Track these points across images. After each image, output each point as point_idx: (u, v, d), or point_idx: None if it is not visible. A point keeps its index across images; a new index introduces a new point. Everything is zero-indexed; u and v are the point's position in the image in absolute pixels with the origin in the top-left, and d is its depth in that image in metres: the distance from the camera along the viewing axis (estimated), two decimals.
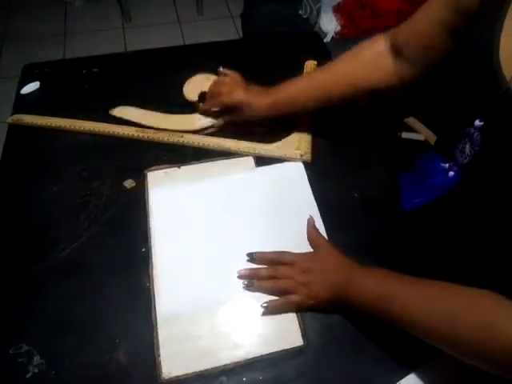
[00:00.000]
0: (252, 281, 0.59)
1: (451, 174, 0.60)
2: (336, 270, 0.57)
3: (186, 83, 0.82)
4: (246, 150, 0.76)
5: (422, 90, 0.76)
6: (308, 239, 0.64)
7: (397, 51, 0.65)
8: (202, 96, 0.80)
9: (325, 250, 0.60)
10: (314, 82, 0.71)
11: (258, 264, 0.61)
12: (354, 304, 0.54)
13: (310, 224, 0.65)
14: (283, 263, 0.59)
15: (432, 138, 1.17)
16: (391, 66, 0.65)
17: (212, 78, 0.82)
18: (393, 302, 0.50)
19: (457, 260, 0.59)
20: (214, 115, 0.78)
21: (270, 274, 0.59)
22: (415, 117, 1.23)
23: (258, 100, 0.71)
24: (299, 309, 0.57)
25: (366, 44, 0.68)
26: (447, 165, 0.61)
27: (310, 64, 0.92)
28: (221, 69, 0.79)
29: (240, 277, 0.60)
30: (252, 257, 0.61)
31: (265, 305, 0.57)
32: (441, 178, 0.61)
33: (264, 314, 0.57)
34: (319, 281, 0.56)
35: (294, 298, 0.56)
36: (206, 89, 0.80)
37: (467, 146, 0.55)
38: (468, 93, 0.59)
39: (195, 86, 0.82)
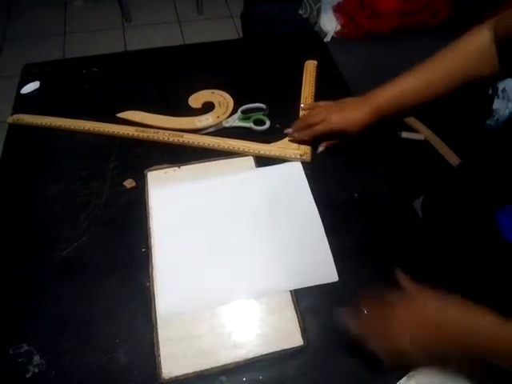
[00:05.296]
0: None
1: None
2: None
3: (191, 96, 0.85)
4: (246, 150, 0.76)
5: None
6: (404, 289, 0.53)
7: (501, 38, 0.60)
8: (205, 105, 0.83)
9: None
10: (420, 80, 0.66)
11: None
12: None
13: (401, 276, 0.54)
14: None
15: (432, 137, 1.17)
16: (496, 57, 0.61)
17: (216, 92, 0.86)
18: None
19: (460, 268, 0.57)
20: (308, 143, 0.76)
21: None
22: (415, 117, 1.23)
23: (356, 114, 0.67)
24: None
25: (470, 36, 0.64)
26: None
27: (310, 64, 0.92)
28: (302, 106, 0.82)
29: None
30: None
31: None
32: None
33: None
34: None
35: None
36: (209, 100, 0.84)
37: None
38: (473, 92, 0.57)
39: (200, 97, 0.86)
